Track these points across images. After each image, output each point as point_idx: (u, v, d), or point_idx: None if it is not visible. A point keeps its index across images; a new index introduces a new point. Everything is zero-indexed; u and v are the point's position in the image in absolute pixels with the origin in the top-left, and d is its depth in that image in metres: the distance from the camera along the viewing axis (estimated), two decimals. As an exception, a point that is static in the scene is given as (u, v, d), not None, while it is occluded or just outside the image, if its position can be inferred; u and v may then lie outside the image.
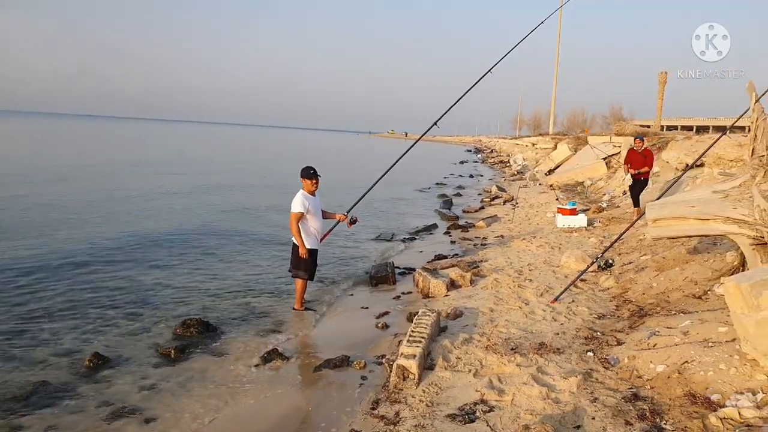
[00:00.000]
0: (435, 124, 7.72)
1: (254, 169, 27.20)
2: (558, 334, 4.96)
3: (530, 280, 6.92)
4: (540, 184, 20.34)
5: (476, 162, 43.07)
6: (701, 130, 19.68)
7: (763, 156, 4.47)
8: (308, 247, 6.08)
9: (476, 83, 7.88)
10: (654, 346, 4.25)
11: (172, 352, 5.02)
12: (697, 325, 4.35)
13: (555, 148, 28.22)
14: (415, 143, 8.08)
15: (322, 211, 6.36)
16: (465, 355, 4.52)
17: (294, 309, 6.34)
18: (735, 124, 6.23)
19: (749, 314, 3.33)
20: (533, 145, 39.44)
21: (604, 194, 15.45)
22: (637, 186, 10.71)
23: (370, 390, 4.20)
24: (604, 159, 19.09)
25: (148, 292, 6.73)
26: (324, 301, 6.59)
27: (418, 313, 5.25)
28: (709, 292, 5.32)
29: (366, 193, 7.27)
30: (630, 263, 7.03)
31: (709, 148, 6.71)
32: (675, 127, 24.37)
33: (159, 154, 34.95)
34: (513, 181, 23.62)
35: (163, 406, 4.08)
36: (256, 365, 4.77)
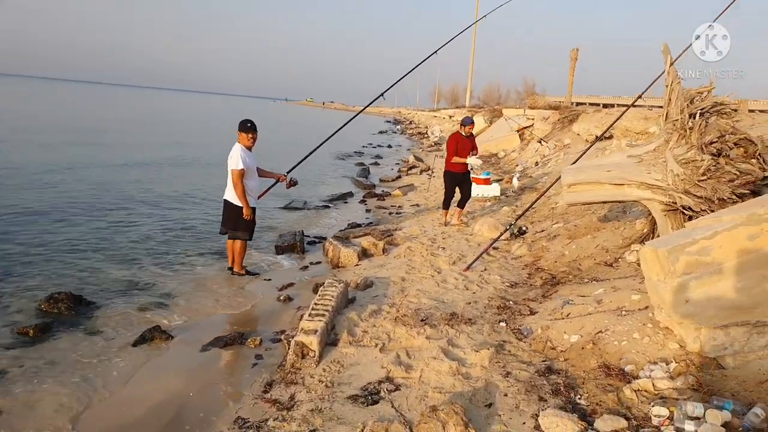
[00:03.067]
0: (381, 95, 7.57)
1: (159, 131, 25.27)
2: (470, 303, 4.70)
3: (443, 249, 6.66)
4: (457, 155, 20.39)
5: (395, 133, 42.87)
6: (608, 107, 20.55)
7: (677, 120, 4.36)
8: (249, 205, 5.63)
9: (422, 62, 7.79)
10: (567, 315, 4.08)
11: (31, 331, 4.25)
12: (610, 293, 4.22)
13: (472, 120, 28.47)
14: (359, 113, 7.76)
15: (259, 169, 5.86)
16: (372, 328, 4.13)
17: (233, 273, 5.82)
18: (642, 97, 6.24)
19: (666, 281, 3.16)
20: (450, 117, 39.80)
21: (517, 165, 15.67)
22: (461, 182, 8.00)
23: (264, 371, 3.71)
24: (518, 131, 19.42)
25: (13, 263, 5.77)
26: (222, 272, 5.95)
27: (324, 284, 4.80)
28: (620, 260, 5.27)
29: (308, 156, 6.80)
30: (542, 231, 6.96)
31: (618, 118, 6.75)
32: (583, 104, 25.34)
33: (43, 118, 31.66)
34: (430, 151, 23.57)
35: (11, 398, 3.37)
36: (134, 345, 4.11)
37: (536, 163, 14.24)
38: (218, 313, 4.87)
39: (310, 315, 4.07)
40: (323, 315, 4.06)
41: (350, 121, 7.45)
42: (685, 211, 4.21)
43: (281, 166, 6.80)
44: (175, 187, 10.89)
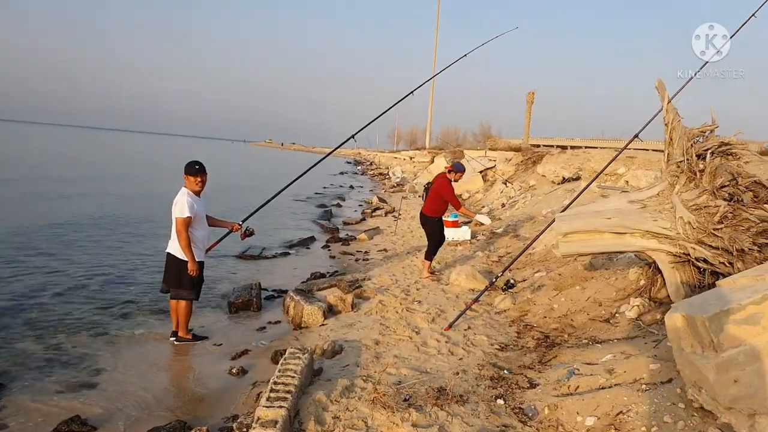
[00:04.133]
0: (353, 137, 6.97)
1: (107, 173, 23.98)
2: (458, 373, 4.02)
3: (419, 302, 6.01)
4: (419, 196, 20.01)
5: (356, 173, 42.58)
6: (564, 148, 20.80)
7: (682, 161, 3.93)
8: (196, 259, 4.85)
9: (396, 103, 7.29)
10: (576, 389, 3.46)
11: None
12: (621, 361, 3.64)
13: (432, 161, 28.46)
14: (327, 155, 7.16)
15: (209, 217, 5.13)
16: (345, 413, 3.39)
17: (177, 341, 4.98)
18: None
19: (706, 355, 2.60)
20: (411, 158, 39.86)
21: (483, 206, 15.34)
22: (438, 229, 7.30)
23: (209, 479, 2.91)
24: (481, 172, 19.27)
25: None
26: (165, 338, 5.10)
27: (285, 353, 4.05)
28: (617, 315, 4.74)
29: (266, 203, 6.06)
30: (524, 281, 6.41)
31: (618, 153, 6.28)
32: (538, 146, 25.73)
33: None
34: (393, 192, 23.18)
35: None
36: (43, 444, 3.24)
37: (503, 205, 13.93)
38: (156, 393, 4.00)
39: (268, 399, 3.30)
40: (284, 399, 3.31)
41: (320, 162, 6.85)
42: (699, 264, 3.73)
43: (236, 213, 6.07)
44: (118, 234, 9.89)
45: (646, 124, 4.65)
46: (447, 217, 11.08)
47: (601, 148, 18.29)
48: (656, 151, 13.80)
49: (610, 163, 5.82)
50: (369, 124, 7.03)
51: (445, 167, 7.42)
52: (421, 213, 7.46)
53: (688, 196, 3.77)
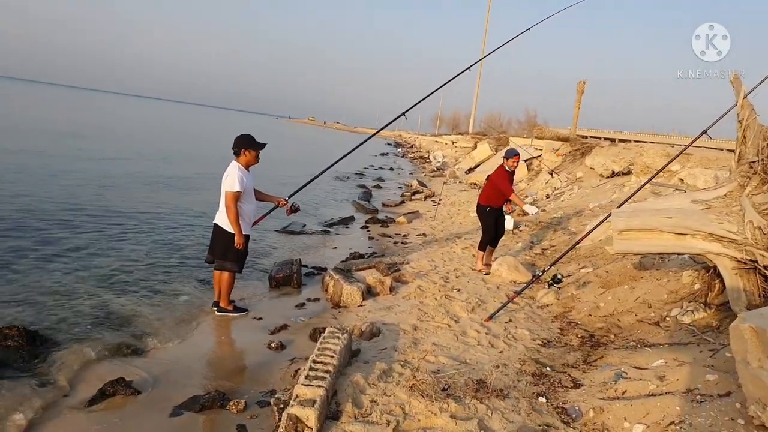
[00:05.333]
0: (403, 114, 6.83)
1: (158, 144, 24.61)
2: (498, 366, 3.93)
3: (458, 290, 5.91)
4: (460, 182, 19.76)
5: (396, 155, 42.41)
6: (613, 141, 20.02)
7: (755, 161, 3.68)
8: (243, 232, 4.89)
9: (451, 80, 7.09)
10: (624, 394, 3.32)
11: (-38, 376, 3.47)
12: (674, 368, 3.47)
13: (475, 147, 28.01)
14: (376, 133, 7.06)
15: (257, 192, 5.16)
16: (382, 398, 3.35)
17: (219, 311, 5.07)
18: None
19: (776, 372, 2.42)
20: (453, 143, 39.33)
21: (526, 196, 15.00)
22: (498, 217, 7.07)
23: (246, 451, 2.93)
24: (525, 161, 18.83)
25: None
26: (207, 307, 5.18)
27: (324, 332, 4.04)
28: (668, 319, 4.53)
29: (312, 180, 6.02)
30: (569, 276, 6.22)
31: (681, 152, 5.91)
32: (585, 137, 24.91)
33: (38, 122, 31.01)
34: (433, 177, 22.97)
35: None
36: (89, 404, 3.33)
37: (547, 196, 13.58)
38: (197, 361, 4.06)
39: (307, 377, 3.30)
40: (323, 378, 3.29)
41: (367, 141, 6.78)
42: (766, 272, 3.50)
43: (280, 188, 6.09)
44: (168, 204, 10.09)
45: (717, 120, 4.37)
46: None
47: (652, 142, 17.55)
48: (712, 149, 13.12)
49: (674, 159, 5.55)
50: (421, 101, 6.88)
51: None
52: (477, 203, 7.24)
53: (761, 199, 3.53)
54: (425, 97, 6.83)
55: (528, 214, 6.97)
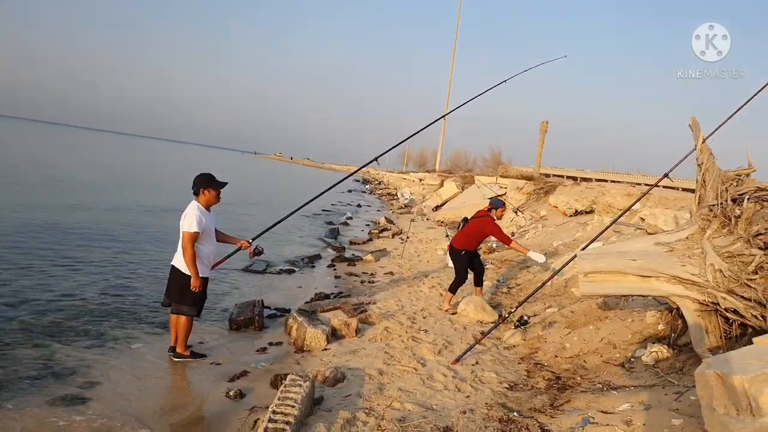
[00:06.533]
0: (376, 159, 6.76)
1: (116, 177, 24.01)
2: (465, 413, 3.82)
3: (425, 331, 5.82)
4: (428, 219, 19.85)
5: (364, 192, 42.55)
6: (575, 179, 20.50)
7: (714, 205, 3.77)
8: (200, 275, 4.70)
9: (426, 127, 7.21)
10: (592, 441, 3.25)
11: None
12: (640, 412, 3.43)
13: (442, 185, 28.39)
14: (348, 177, 7.01)
15: (218, 232, 5.01)
16: (346, 450, 3.20)
17: (175, 357, 4.81)
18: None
19: (742, 419, 2.40)
20: (420, 180, 39.76)
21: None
22: (473, 257, 7.17)
23: None
24: (490, 199, 19.10)
25: None
26: (163, 353, 4.92)
27: (285, 379, 3.87)
28: (633, 360, 4.53)
29: (279, 222, 5.91)
30: (535, 315, 6.21)
31: (651, 189, 5.93)
32: (548, 175, 25.53)
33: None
34: (401, 214, 23.04)
35: None
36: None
37: (512, 234, 13.73)
38: (149, 413, 3.81)
39: (266, 430, 3.13)
40: (283, 431, 3.13)
41: (339, 183, 6.77)
42: (728, 314, 3.54)
43: (243, 228, 5.94)
44: (123, 242, 9.75)
45: (677, 164, 4.49)
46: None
47: (612, 181, 18.14)
48: (671, 188, 13.58)
49: (637, 201, 5.63)
50: (393, 148, 6.98)
51: (486, 207, 7.26)
52: (450, 246, 7.26)
53: (721, 242, 3.60)
54: (396, 145, 6.93)
55: (537, 262, 6.88)
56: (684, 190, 11.62)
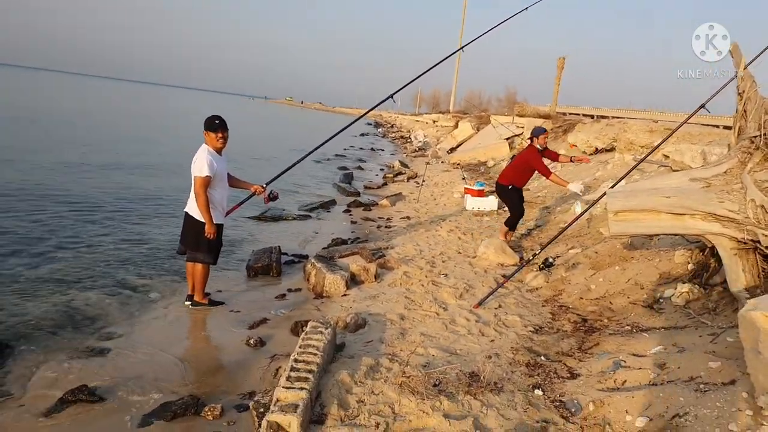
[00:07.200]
0: (391, 97, 6.49)
1: (126, 128, 23.82)
2: (490, 357, 3.74)
3: (445, 275, 5.72)
4: (442, 162, 19.53)
5: (377, 136, 41.95)
6: (587, 117, 19.79)
7: (757, 136, 3.50)
8: (214, 221, 4.58)
9: (426, 72, 6.87)
10: (624, 384, 3.16)
11: None
12: (674, 355, 3.31)
13: (456, 126, 27.77)
14: (359, 118, 6.76)
15: (231, 177, 4.85)
16: (370, 396, 3.14)
17: (193, 305, 4.78)
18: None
19: (792, 363, 2.26)
20: (434, 122, 38.99)
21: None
22: (520, 194, 7.09)
23: (222, 464, 2.70)
24: (507, 139, 18.65)
25: None
26: (180, 302, 4.89)
27: (306, 325, 3.81)
28: (661, 300, 4.39)
29: (292, 166, 5.74)
30: (558, 257, 6.06)
31: (685, 121, 5.50)
32: (565, 114, 24.76)
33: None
34: (415, 157, 22.69)
35: None
36: (46, 414, 3.05)
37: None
38: (168, 362, 3.79)
39: (288, 378, 3.07)
40: (306, 379, 3.07)
41: (352, 124, 6.57)
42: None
43: (260, 173, 5.79)
44: (136, 192, 9.65)
45: (715, 93, 4.17)
46: (472, 186, 10.73)
47: (631, 118, 17.50)
48: (694, 124, 13.03)
49: (671, 135, 5.31)
50: (408, 84, 6.64)
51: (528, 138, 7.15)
52: (496, 183, 7.24)
53: (764, 176, 3.36)
54: (412, 81, 6.61)
55: (577, 194, 6.74)
56: (705, 125, 11.16)
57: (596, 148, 12.26)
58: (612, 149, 11.56)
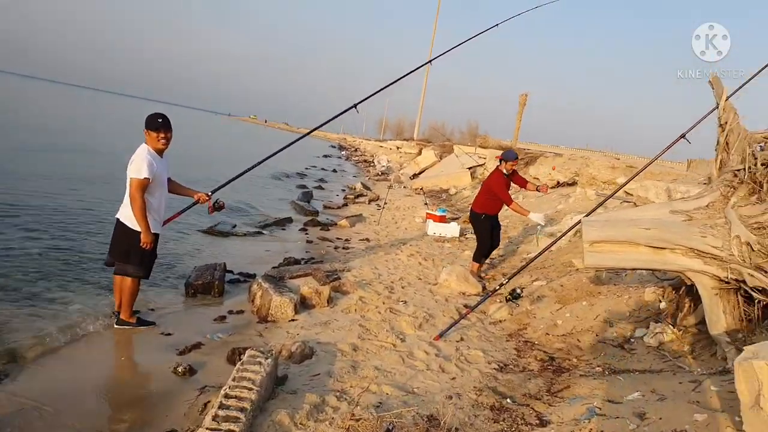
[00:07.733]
0: (354, 106, 6.01)
1: (71, 136, 22.64)
2: (451, 397, 3.34)
3: (404, 302, 5.32)
4: (405, 187, 19.31)
5: (340, 158, 41.66)
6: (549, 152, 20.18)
7: (740, 169, 3.29)
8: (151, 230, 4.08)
9: (396, 81, 6.39)
10: (600, 435, 2.81)
11: None
12: (654, 403, 2.99)
13: (420, 153, 27.84)
14: (321, 125, 6.37)
15: (172, 183, 4.36)
16: (311, 443, 2.68)
17: (118, 324, 4.20)
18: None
19: (802, 423, 1.95)
20: (398, 148, 39.04)
21: (469, 205, 14.73)
22: (493, 223, 6.66)
23: None
24: (469, 168, 18.64)
25: None
26: (105, 319, 4.30)
27: (244, 354, 3.32)
28: (632, 340, 4.12)
29: (242, 174, 5.21)
30: (522, 289, 5.76)
31: (664, 151, 5.29)
32: (523, 149, 25.23)
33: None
34: (377, 181, 22.42)
35: None
36: None
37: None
38: (77, 392, 3.21)
39: (215, 418, 2.58)
40: (236, 419, 2.59)
41: (311, 132, 6.19)
42: (755, 294, 3.10)
43: (208, 183, 5.29)
44: (67, 200, 8.81)
45: (696, 123, 4.00)
46: (434, 212, 10.45)
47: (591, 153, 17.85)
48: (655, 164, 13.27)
49: (648, 165, 5.19)
50: (374, 94, 6.27)
51: (496, 157, 6.84)
52: (470, 210, 6.89)
53: (748, 211, 3.14)
54: (377, 91, 6.24)
55: (538, 224, 6.42)
56: (661, 165, 11.34)
57: (558, 182, 12.26)
58: (574, 183, 11.56)
